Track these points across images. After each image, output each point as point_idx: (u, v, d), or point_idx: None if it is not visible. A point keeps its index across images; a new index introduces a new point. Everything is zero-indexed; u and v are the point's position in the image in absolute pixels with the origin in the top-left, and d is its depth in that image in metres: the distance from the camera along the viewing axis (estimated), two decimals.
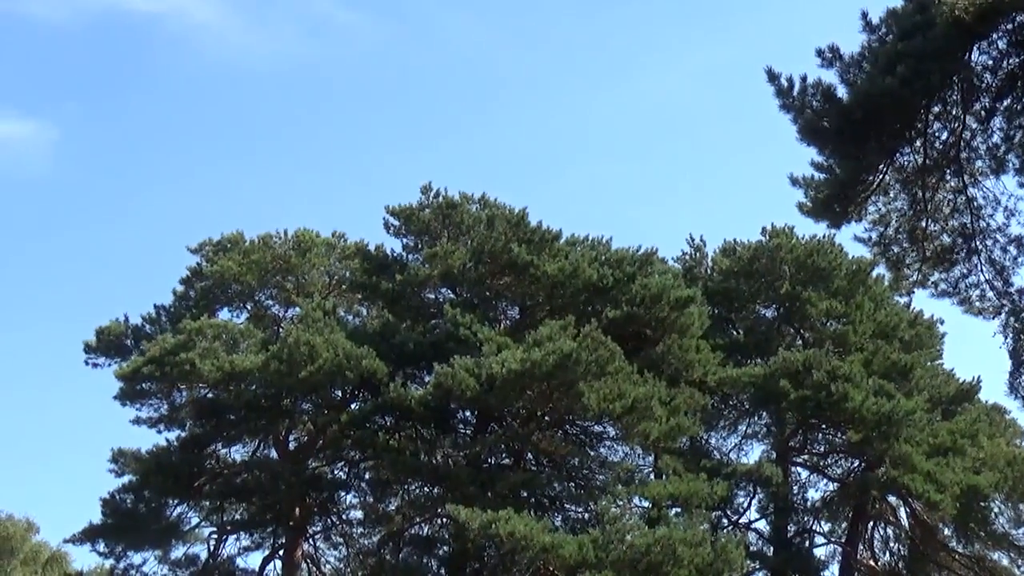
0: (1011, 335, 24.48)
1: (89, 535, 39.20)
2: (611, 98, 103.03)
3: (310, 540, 41.67)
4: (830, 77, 21.07)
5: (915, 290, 26.51)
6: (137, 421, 40.56)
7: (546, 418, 38.22)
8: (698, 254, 46.27)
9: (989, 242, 23.64)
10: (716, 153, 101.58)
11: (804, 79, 21.09)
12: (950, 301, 24.96)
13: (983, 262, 23.91)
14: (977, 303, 24.62)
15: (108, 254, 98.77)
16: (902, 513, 43.81)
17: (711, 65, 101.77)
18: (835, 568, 43.86)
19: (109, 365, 41.66)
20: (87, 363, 42.17)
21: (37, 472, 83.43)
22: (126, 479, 39.77)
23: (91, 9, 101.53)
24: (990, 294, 24.32)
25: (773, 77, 21.17)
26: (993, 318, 24.60)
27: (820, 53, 21.02)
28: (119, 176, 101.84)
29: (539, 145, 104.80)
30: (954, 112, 21.74)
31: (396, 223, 40.28)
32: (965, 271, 24.28)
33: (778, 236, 43.53)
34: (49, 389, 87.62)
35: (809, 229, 43.52)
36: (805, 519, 44.43)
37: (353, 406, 38.99)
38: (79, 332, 56.85)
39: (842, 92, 20.95)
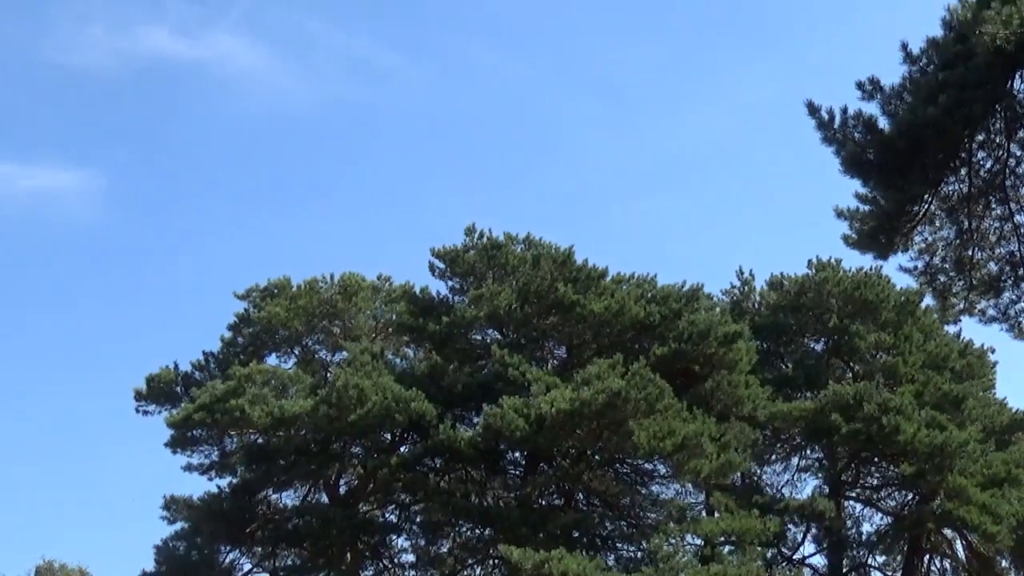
0: None
1: None
2: (655, 134, 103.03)
3: None
4: (871, 109, 21.02)
5: (961, 318, 26.24)
6: (188, 468, 40.80)
7: (596, 457, 38.18)
8: (746, 288, 46.14)
9: None
10: (762, 187, 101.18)
11: (845, 111, 21.02)
12: (999, 327, 24.76)
13: None
14: None
15: (156, 301, 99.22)
16: (958, 546, 43.33)
17: (757, 99, 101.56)
18: None
19: (159, 412, 41.95)
20: (138, 411, 42.46)
21: (90, 521, 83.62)
22: (178, 526, 40.01)
23: (136, 57, 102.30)
24: None
25: (814, 110, 21.11)
26: None
27: (860, 86, 20.95)
28: (166, 223, 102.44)
29: (585, 182, 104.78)
30: (998, 140, 21.60)
31: (441, 265, 40.31)
32: (1014, 297, 24.11)
33: (825, 269, 43.35)
34: (100, 437, 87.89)
35: (856, 261, 43.27)
36: (860, 553, 44.04)
37: (403, 449, 39.04)
38: (129, 380, 57.08)
39: (884, 123, 20.89)
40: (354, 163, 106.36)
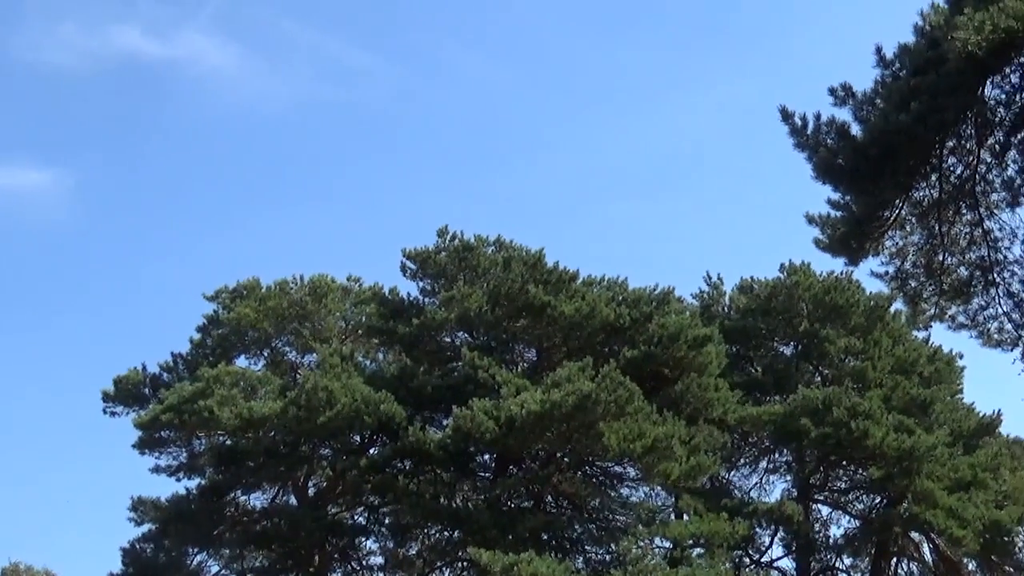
0: None
1: None
2: (627, 136, 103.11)
3: None
4: (843, 115, 21.10)
5: (932, 324, 26.31)
6: (156, 469, 40.65)
7: (566, 459, 38.19)
8: (715, 292, 46.25)
9: (1007, 274, 23.58)
10: (733, 190, 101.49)
11: (818, 117, 21.11)
12: (968, 334, 24.89)
13: (1001, 294, 23.85)
14: (995, 335, 24.55)
15: (125, 302, 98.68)
16: (925, 549, 43.58)
17: (728, 101, 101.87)
18: None
19: (127, 414, 41.73)
20: (105, 412, 42.23)
21: (56, 522, 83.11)
22: (146, 528, 39.77)
23: (106, 57, 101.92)
24: (1008, 326, 24.23)
25: (787, 116, 21.18)
26: (1012, 349, 24.53)
27: (833, 92, 21.04)
28: (135, 224, 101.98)
29: (556, 184, 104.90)
30: (968, 146, 21.71)
31: (412, 267, 40.31)
32: (983, 303, 24.22)
33: (795, 273, 43.47)
34: (67, 439, 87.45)
35: (826, 265, 43.48)
36: (828, 557, 44.20)
37: (372, 451, 38.97)
38: (97, 381, 56.73)
39: (856, 130, 20.96)
40: (325, 164, 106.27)
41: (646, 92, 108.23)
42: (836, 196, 22.20)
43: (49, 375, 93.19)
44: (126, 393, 42.04)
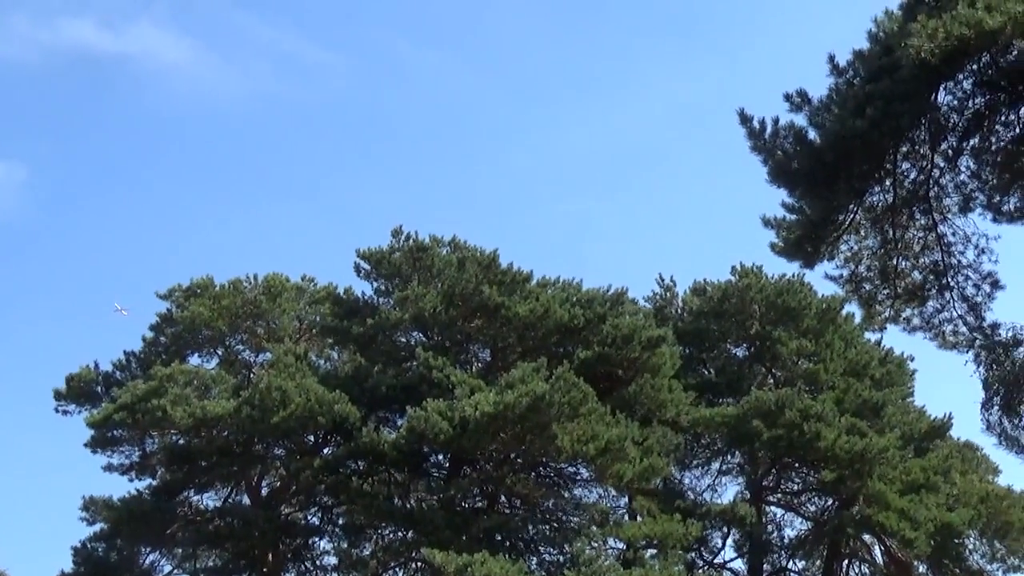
0: (983, 366, 24.62)
1: None
2: (581, 135, 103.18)
3: None
4: (800, 120, 21.21)
5: (887, 326, 26.45)
6: (108, 468, 40.42)
7: (519, 460, 38.19)
8: (668, 294, 46.32)
9: (960, 278, 23.79)
10: (686, 191, 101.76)
11: (776, 122, 21.20)
12: (923, 335, 25.07)
13: (955, 298, 24.04)
14: (951, 338, 24.74)
15: (77, 298, 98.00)
16: (877, 551, 43.73)
17: (681, 100, 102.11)
18: None
19: (79, 412, 41.57)
20: (57, 411, 42.06)
21: (6, 522, 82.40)
22: (98, 527, 39.60)
23: (60, 50, 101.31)
24: (963, 328, 24.44)
25: (746, 119, 21.28)
26: (967, 351, 24.75)
27: (788, 98, 21.15)
28: (87, 218, 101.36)
29: (511, 183, 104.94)
30: (922, 151, 21.89)
31: (367, 266, 40.22)
32: (938, 306, 24.40)
33: (748, 276, 43.60)
34: (18, 437, 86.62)
35: (779, 268, 43.62)
36: (780, 558, 44.44)
37: (326, 451, 38.90)
38: (49, 379, 56.32)
39: (813, 135, 21.08)
40: (280, 161, 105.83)
41: (599, 90, 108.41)
42: (791, 200, 22.36)
43: None
44: (78, 391, 41.85)
